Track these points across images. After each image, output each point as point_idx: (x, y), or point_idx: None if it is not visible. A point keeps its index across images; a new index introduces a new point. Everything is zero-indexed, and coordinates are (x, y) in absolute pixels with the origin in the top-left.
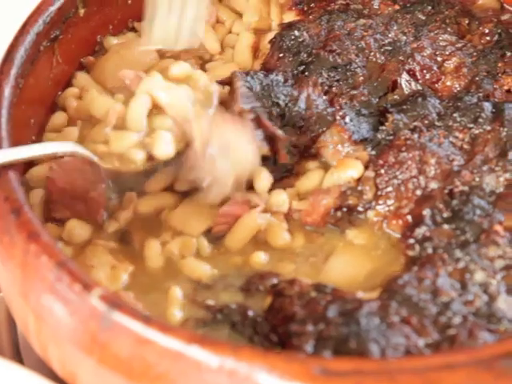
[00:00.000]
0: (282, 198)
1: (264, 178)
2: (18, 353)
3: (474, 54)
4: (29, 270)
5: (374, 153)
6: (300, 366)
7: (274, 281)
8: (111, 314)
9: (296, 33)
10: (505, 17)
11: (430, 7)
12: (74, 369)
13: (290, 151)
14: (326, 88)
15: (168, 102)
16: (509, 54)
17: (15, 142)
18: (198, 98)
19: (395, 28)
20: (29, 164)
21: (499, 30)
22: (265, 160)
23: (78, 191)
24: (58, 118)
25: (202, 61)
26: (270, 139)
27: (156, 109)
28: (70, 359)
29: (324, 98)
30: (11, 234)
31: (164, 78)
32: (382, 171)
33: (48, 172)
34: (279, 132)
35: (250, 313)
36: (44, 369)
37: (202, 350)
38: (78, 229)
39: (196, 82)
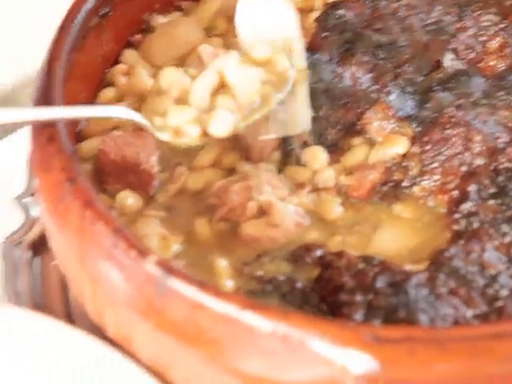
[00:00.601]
0: (328, 174)
1: (320, 155)
2: (70, 315)
3: None
4: (85, 236)
5: (418, 130)
6: (352, 332)
7: (321, 252)
8: (166, 280)
9: (340, 12)
10: None
11: None
12: (129, 333)
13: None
14: (370, 66)
15: (236, 82)
16: None
17: None
18: (272, 80)
19: (439, 8)
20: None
21: None
22: None
23: (130, 164)
24: (107, 93)
25: None
26: None
27: (223, 87)
28: (125, 324)
29: (369, 75)
30: (67, 202)
31: (241, 58)
32: (428, 147)
33: (100, 144)
34: None
35: (299, 284)
36: (95, 332)
37: (256, 316)
38: (130, 200)
39: (275, 65)
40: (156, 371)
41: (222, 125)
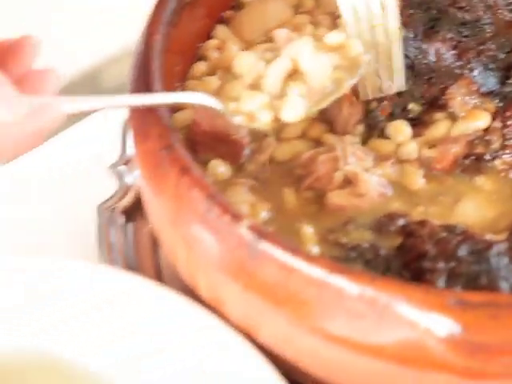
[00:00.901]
0: (412, 147)
1: (403, 129)
2: (161, 278)
3: None
4: (180, 202)
5: (500, 105)
6: (436, 297)
7: (403, 221)
8: (258, 244)
9: None
10: None
11: None
12: (220, 294)
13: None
14: (454, 43)
15: (309, 69)
16: None
17: (163, 86)
18: (344, 65)
19: None
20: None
21: None
22: None
23: (221, 134)
24: (199, 67)
25: (333, 17)
26: None
27: (295, 73)
28: (217, 285)
29: (452, 52)
30: (164, 168)
31: (314, 43)
32: (509, 122)
33: (194, 116)
34: None
35: (382, 251)
36: (186, 294)
37: (344, 280)
38: (220, 168)
39: (347, 50)
40: (245, 331)
41: (294, 111)
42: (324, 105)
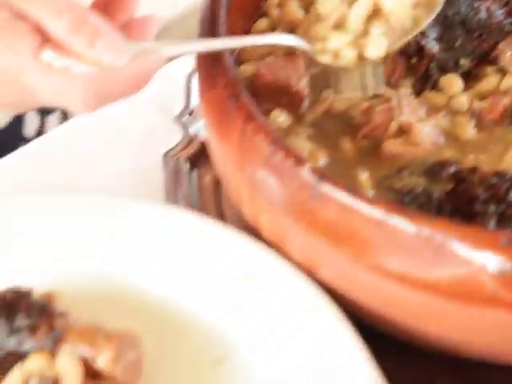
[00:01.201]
0: (463, 99)
1: (455, 82)
2: (222, 217)
3: None
4: (246, 147)
5: None
6: (489, 236)
7: (455, 168)
8: (320, 186)
9: None
10: None
11: None
12: (282, 234)
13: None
14: (505, 1)
15: (391, 8)
16: None
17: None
18: (423, 3)
19: None
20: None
21: None
22: None
23: (282, 86)
24: (261, 23)
25: None
26: None
27: (377, 13)
28: (280, 226)
29: (503, 9)
30: (230, 115)
31: None
32: None
33: (256, 68)
34: None
35: (435, 195)
36: (247, 231)
37: (401, 220)
38: (281, 118)
39: None
40: (305, 270)
41: (377, 48)
42: (403, 42)
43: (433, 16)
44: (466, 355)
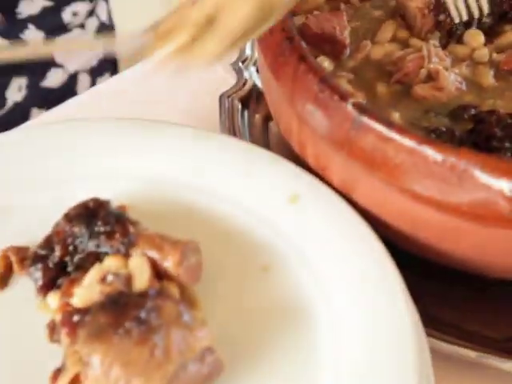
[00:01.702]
0: (484, 52)
1: (478, 37)
2: (269, 147)
3: None
4: (297, 84)
5: None
6: (506, 165)
7: (475, 111)
8: (361, 118)
9: None
10: None
11: None
12: (326, 162)
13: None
14: None
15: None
16: None
17: None
18: None
19: None
20: None
21: None
22: None
23: (327, 36)
24: None
25: None
26: None
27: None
28: (323, 154)
29: None
30: (285, 56)
31: None
32: None
33: (305, 20)
34: None
35: (457, 133)
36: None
37: (430, 149)
38: (325, 63)
39: None
40: (344, 193)
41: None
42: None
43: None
44: (483, 272)
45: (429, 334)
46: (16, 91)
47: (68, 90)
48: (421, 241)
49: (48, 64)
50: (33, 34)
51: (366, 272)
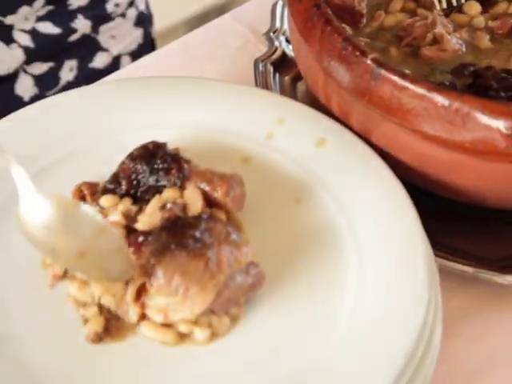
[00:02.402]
0: (481, 19)
1: (475, 7)
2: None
3: None
4: (324, 43)
5: None
6: (503, 107)
7: (474, 68)
8: (379, 70)
9: None
10: None
11: None
12: (348, 110)
13: None
14: None
15: None
16: None
17: None
18: None
19: None
20: None
21: None
22: None
23: (347, 6)
24: None
25: None
26: None
27: None
28: (346, 103)
29: None
30: (313, 20)
31: None
32: None
33: None
34: None
35: (459, 86)
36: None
37: (439, 95)
38: (346, 30)
39: None
40: (364, 137)
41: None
42: None
43: None
44: (485, 203)
45: (435, 255)
46: (68, 72)
47: (112, 70)
48: (430, 176)
49: (96, 48)
50: (82, 23)
51: (383, 199)
